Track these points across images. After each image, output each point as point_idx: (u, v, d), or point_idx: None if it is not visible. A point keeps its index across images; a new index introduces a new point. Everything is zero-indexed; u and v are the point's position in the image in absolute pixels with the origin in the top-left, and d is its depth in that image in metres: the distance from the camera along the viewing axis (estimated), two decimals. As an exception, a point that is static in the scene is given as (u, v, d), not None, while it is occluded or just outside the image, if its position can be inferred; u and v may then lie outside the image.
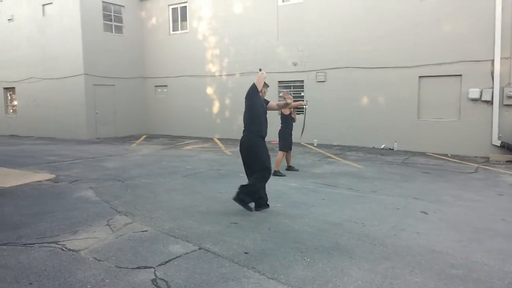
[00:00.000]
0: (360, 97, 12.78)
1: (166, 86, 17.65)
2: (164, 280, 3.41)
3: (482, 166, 9.32)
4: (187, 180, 7.69)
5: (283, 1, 14.26)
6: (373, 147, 12.54)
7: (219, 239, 4.41)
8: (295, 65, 13.97)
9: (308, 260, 3.85)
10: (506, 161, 10.10)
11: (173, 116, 17.43)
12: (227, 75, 15.72)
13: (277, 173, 7.92)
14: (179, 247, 4.18)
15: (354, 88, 12.85)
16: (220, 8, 15.63)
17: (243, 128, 5.57)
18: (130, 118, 17.62)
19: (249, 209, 5.39)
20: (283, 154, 8.33)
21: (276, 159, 8.06)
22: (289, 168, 8.64)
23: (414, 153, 11.33)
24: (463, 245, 4.25)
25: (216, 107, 16.16)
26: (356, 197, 6.37)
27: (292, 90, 14.31)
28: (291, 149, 8.60)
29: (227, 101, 15.78)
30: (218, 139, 15.50)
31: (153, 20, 17.83)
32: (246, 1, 14.96)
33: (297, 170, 8.61)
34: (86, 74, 15.83)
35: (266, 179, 5.47)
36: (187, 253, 4.02)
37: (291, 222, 5.05)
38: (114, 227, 4.85)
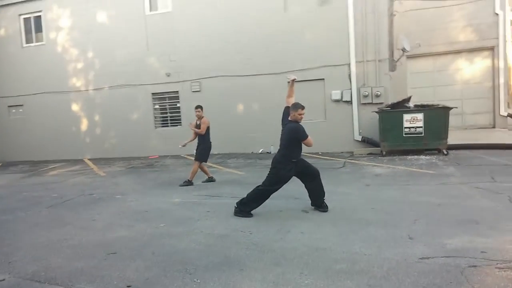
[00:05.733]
0: (236, 104, 13.03)
1: (22, 105, 15.54)
2: None
3: (349, 161, 10.24)
4: (53, 211, 6.73)
5: (150, 10, 13.78)
6: (252, 152, 12.87)
7: (96, 275, 3.87)
8: (168, 75, 13.59)
9: (199, 281, 3.60)
10: (368, 154, 11.29)
11: (34, 139, 15.41)
12: (94, 89, 14.54)
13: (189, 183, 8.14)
14: (46, 293, 3.55)
15: (230, 96, 13.04)
16: (81, 17, 14.40)
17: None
18: (-21, 145, 15.06)
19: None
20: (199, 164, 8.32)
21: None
22: (210, 179, 8.50)
23: (290, 155, 11.91)
24: (343, 238, 4.48)
25: (84, 125, 14.80)
26: (241, 204, 6.33)
27: (167, 101, 13.90)
28: (205, 160, 8.48)
29: (97, 118, 14.58)
30: (89, 159, 14.18)
31: (2, 32, 15.58)
32: (110, 9, 14.06)
33: (214, 181, 8.50)
34: None
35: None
36: (56, 299, 3.42)
37: (177, 241, 4.73)
38: (-44, 283, 3.91)
